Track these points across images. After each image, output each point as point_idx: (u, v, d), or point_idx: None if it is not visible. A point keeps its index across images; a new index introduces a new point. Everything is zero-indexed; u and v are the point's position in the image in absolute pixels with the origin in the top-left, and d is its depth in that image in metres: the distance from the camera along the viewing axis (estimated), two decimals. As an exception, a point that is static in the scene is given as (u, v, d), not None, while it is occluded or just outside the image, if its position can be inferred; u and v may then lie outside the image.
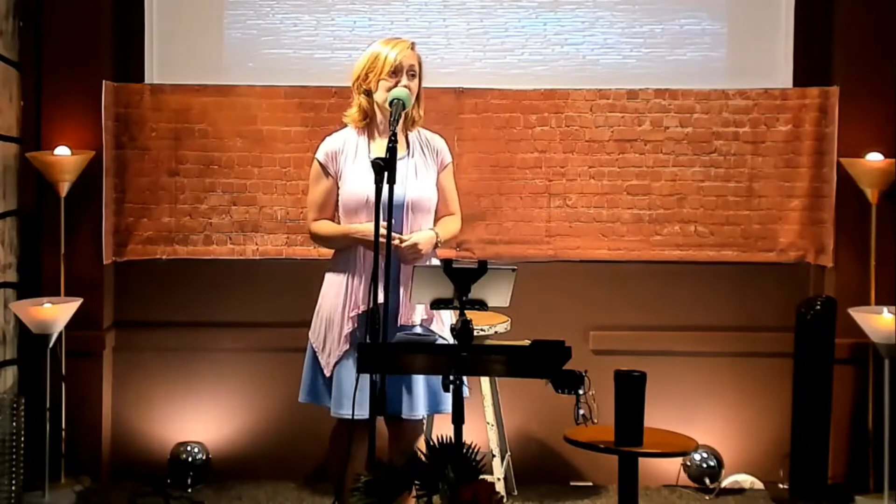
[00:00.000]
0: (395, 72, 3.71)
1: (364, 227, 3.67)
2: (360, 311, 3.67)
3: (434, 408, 3.73)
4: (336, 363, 3.69)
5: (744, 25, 5.20)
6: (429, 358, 3.23)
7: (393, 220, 3.60)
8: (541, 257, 5.16)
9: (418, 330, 3.71)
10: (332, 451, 3.84)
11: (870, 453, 4.95)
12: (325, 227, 3.81)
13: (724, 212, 5.15)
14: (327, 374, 3.72)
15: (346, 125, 3.86)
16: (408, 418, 3.68)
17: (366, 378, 3.52)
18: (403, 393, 3.66)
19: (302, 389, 3.83)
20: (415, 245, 3.67)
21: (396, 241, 3.61)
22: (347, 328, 3.68)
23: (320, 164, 3.80)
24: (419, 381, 3.67)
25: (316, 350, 3.76)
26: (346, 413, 3.60)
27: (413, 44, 3.81)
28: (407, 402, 3.67)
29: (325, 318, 3.75)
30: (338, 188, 3.78)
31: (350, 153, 3.77)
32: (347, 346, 3.68)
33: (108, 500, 4.89)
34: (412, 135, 3.83)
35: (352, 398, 3.47)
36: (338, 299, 3.72)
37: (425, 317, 3.72)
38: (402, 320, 3.68)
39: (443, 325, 3.76)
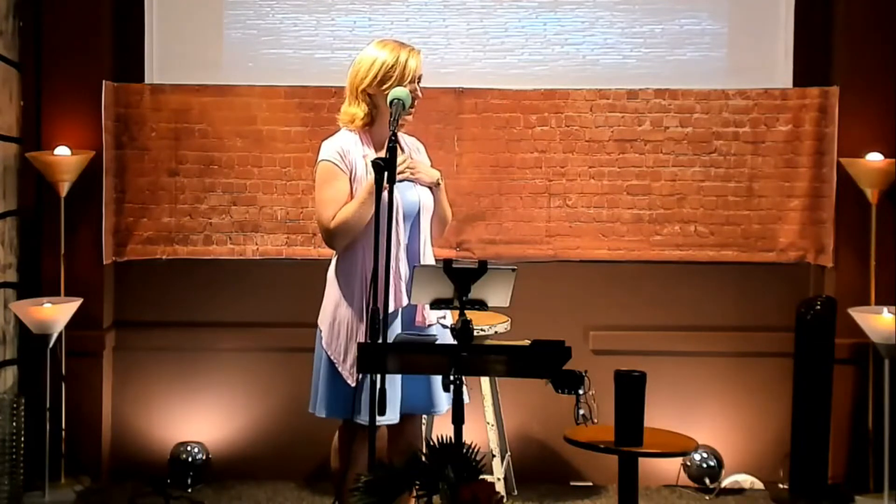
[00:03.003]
0: (413, 79, 3.69)
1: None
2: (389, 311, 3.54)
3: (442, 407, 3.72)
4: (351, 371, 3.61)
5: (744, 25, 5.20)
6: (429, 358, 3.23)
7: (407, 223, 3.62)
8: (541, 257, 5.16)
9: (434, 330, 3.67)
10: (335, 453, 3.82)
11: (870, 453, 4.95)
12: (345, 209, 3.61)
13: (724, 212, 5.15)
14: (352, 384, 3.60)
15: (340, 128, 3.79)
16: (425, 414, 3.66)
17: (399, 381, 3.55)
18: (425, 390, 3.65)
19: (319, 404, 3.67)
20: (415, 165, 3.68)
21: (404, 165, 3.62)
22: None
23: (332, 163, 3.67)
24: (437, 377, 3.60)
25: (335, 362, 3.63)
26: (384, 419, 3.46)
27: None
28: (428, 398, 3.66)
29: (346, 327, 3.63)
30: (352, 186, 3.66)
31: (358, 153, 3.69)
32: None
33: (108, 500, 4.90)
34: (401, 139, 3.76)
35: (391, 403, 3.43)
36: (357, 306, 3.62)
37: (441, 315, 3.69)
38: (418, 320, 3.65)
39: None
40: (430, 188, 3.73)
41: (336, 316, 3.66)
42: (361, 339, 3.57)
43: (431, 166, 3.87)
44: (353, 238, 3.63)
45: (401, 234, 3.63)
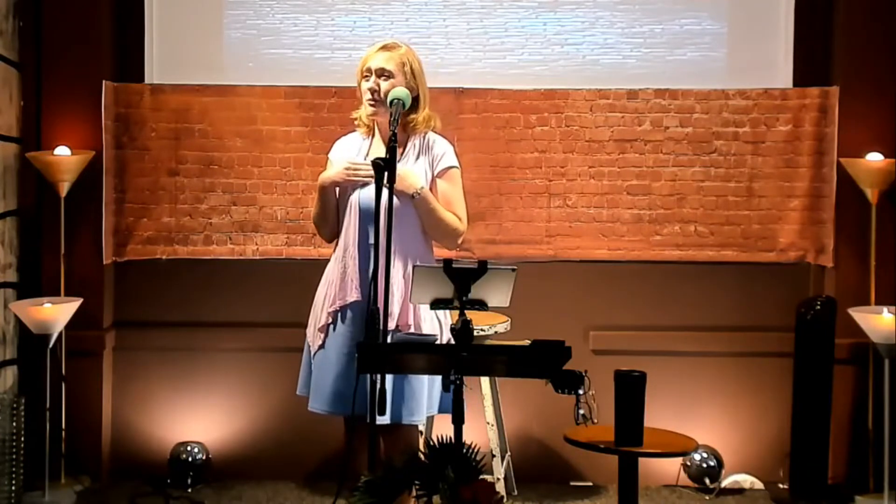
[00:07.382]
0: (366, 75, 3.72)
1: (327, 172, 3.75)
2: (336, 308, 3.67)
3: (396, 417, 3.61)
4: (313, 355, 3.73)
5: (744, 25, 5.20)
6: (429, 358, 3.23)
7: (365, 222, 3.62)
8: (541, 257, 5.16)
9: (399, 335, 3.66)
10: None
11: (870, 453, 4.95)
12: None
13: (724, 212, 5.15)
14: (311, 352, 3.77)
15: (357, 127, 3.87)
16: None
17: (334, 374, 3.60)
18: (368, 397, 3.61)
19: (299, 382, 3.83)
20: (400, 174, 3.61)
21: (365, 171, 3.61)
22: (322, 321, 3.71)
23: (329, 159, 3.85)
24: (387, 387, 3.60)
25: (309, 342, 3.79)
26: (315, 407, 3.69)
27: (388, 45, 3.74)
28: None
29: (315, 309, 3.78)
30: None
31: (352, 155, 3.77)
32: (321, 340, 3.70)
33: (108, 500, 4.90)
34: (414, 139, 3.76)
35: (323, 393, 3.59)
36: (321, 291, 3.77)
37: (401, 323, 3.64)
38: (381, 325, 3.58)
39: (420, 330, 3.67)
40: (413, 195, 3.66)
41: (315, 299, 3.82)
42: (318, 323, 3.72)
43: (455, 166, 3.79)
44: (324, 231, 3.81)
45: (351, 232, 3.67)
